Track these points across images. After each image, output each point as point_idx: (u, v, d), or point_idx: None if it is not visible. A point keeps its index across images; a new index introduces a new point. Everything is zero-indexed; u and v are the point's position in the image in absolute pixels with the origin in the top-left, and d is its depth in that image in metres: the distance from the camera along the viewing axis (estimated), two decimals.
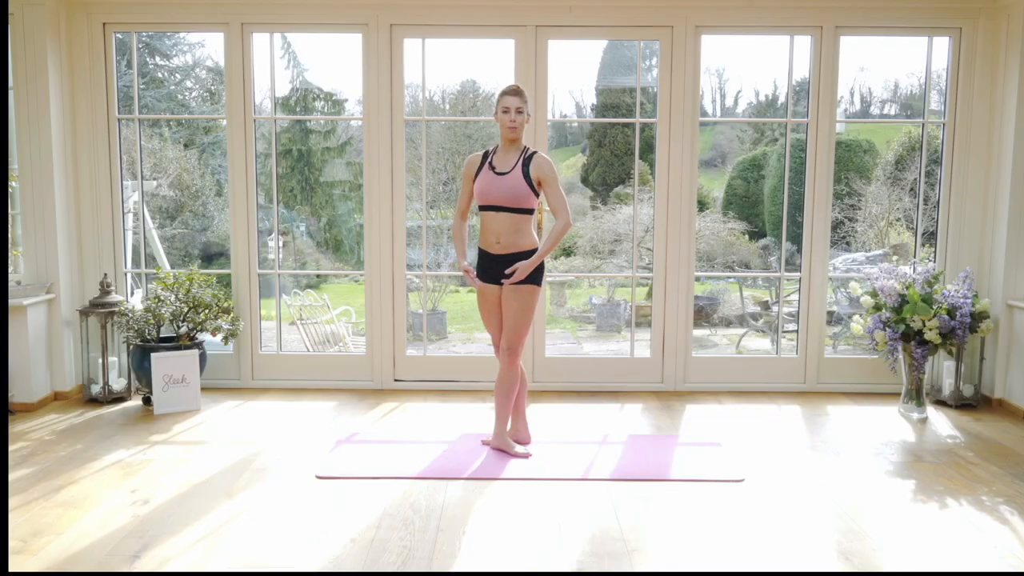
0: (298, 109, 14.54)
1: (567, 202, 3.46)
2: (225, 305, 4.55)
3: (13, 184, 4.50)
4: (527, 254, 3.46)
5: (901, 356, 4.30)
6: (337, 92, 15.02)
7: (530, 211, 3.47)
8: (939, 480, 3.31)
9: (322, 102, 14.93)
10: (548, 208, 3.54)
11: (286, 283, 11.29)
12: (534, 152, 3.47)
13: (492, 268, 3.51)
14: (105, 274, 4.57)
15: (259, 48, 4.73)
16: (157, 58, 14.70)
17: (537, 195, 3.46)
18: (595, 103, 17.42)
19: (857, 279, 5.32)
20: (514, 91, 3.45)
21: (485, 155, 3.55)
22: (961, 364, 4.47)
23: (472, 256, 3.64)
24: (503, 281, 3.47)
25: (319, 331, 7.38)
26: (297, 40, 14.58)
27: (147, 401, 4.42)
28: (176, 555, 2.57)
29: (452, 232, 3.73)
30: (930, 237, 5.44)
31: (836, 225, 11.83)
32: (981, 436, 3.97)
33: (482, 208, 3.50)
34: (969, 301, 4.17)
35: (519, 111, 3.41)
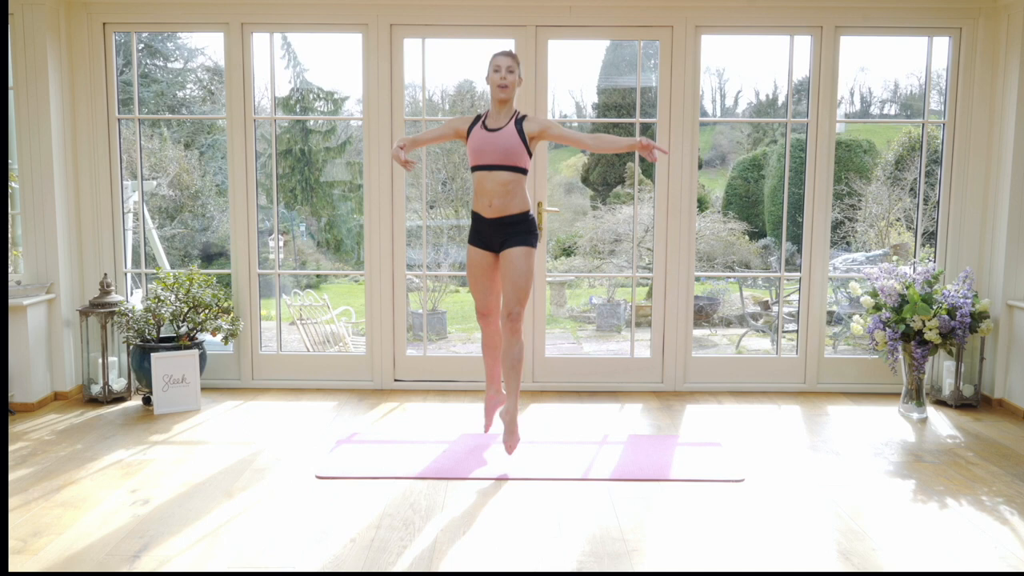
0: (298, 109, 14.54)
1: None
2: (225, 305, 4.55)
3: (13, 184, 4.50)
4: (517, 217, 3.44)
5: (901, 356, 4.30)
6: (337, 92, 15.02)
7: (522, 170, 3.44)
8: (939, 480, 3.31)
9: (322, 102, 14.93)
10: (569, 144, 3.57)
11: (286, 283, 11.30)
12: (525, 114, 3.49)
13: (485, 232, 3.50)
14: (105, 274, 4.57)
15: (259, 48, 4.73)
16: (155, 55, 14.70)
17: (530, 154, 3.46)
18: (597, 102, 17.42)
19: (857, 279, 5.32)
20: (506, 53, 3.48)
21: (478, 117, 3.55)
22: (961, 364, 4.47)
23: (465, 221, 3.65)
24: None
25: (319, 331, 7.39)
26: (297, 40, 14.58)
27: (147, 401, 4.42)
28: (176, 555, 2.57)
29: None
30: (930, 237, 5.45)
31: (836, 225, 11.83)
32: (981, 436, 3.97)
33: (475, 169, 3.47)
34: (969, 301, 4.18)
35: (510, 70, 3.43)
